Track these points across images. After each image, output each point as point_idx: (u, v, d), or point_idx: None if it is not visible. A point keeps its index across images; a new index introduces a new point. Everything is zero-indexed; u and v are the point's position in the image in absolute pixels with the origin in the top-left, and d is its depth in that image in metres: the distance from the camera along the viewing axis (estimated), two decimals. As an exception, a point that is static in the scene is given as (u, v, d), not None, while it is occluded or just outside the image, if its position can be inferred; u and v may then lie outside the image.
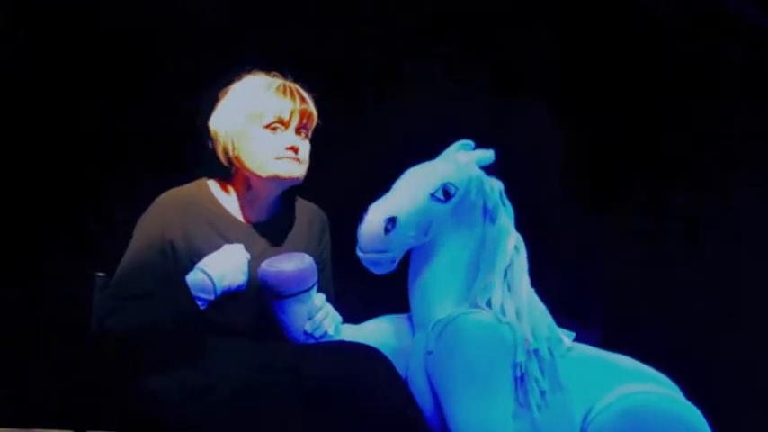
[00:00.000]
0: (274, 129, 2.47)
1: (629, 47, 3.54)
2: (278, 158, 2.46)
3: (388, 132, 3.37)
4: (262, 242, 2.52)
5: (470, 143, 2.64)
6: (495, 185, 2.58)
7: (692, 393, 2.58)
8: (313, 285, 2.46)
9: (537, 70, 3.53)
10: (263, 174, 2.46)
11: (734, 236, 3.43)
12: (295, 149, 2.47)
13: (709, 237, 3.44)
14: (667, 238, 3.46)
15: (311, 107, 2.53)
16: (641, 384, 2.50)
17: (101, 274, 2.52)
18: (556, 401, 2.46)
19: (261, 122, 2.46)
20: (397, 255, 2.46)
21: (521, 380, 2.43)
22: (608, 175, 3.52)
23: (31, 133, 3.24)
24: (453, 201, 2.51)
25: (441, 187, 2.50)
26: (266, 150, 2.45)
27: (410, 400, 2.38)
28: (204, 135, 2.54)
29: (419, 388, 2.49)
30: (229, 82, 2.55)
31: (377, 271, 2.48)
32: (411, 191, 2.50)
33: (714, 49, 3.50)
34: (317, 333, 2.46)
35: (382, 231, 2.41)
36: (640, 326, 3.29)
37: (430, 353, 2.45)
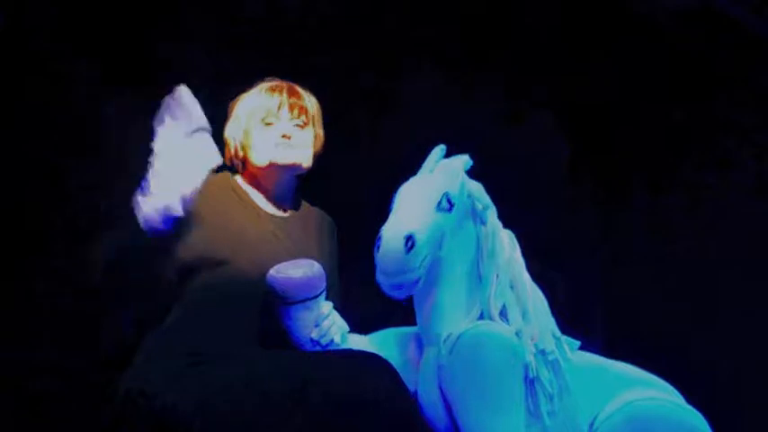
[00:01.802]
0: (269, 123, 2.63)
1: (626, 52, 3.55)
2: (274, 145, 2.61)
3: (389, 145, 3.37)
4: (278, 228, 2.62)
5: (443, 147, 2.62)
6: (478, 186, 2.58)
7: (693, 400, 2.58)
8: (321, 292, 2.46)
9: (535, 77, 3.54)
10: (263, 162, 2.62)
11: (736, 241, 3.43)
12: (287, 137, 2.61)
13: (709, 242, 3.43)
14: (667, 243, 3.46)
15: (302, 100, 2.68)
16: (645, 391, 2.50)
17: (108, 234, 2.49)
18: (564, 408, 2.47)
19: (257, 119, 2.63)
20: (420, 275, 2.40)
21: (531, 385, 2.44)
22: (607, 180, 3.52)
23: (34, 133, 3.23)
24: (455, 210, 2.50)
25: (444, 197, 2.48)
26: (264, 140, 2.62)
27: (415, 409, 2.40)
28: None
29: (431, 402, 2.50)
30: (235, 96, 2.70)
31: (400, 296, 2.43)
32: (418, 205, 2.47)
33: (714, 54, 3.51)
34: (324, 341, 2.47)
35: (404, 251, 2.35)
36: (640, 333, 3.29)
37: (442, 366, 2.45)
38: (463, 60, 3.49)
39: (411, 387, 2.52)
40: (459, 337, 2.44)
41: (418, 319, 2.57)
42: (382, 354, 2.50)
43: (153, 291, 2.42)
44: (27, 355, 3.19)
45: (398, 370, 2.42)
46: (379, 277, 2.41)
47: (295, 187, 2.71)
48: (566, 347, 2.53)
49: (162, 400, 2.30)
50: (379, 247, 2.39)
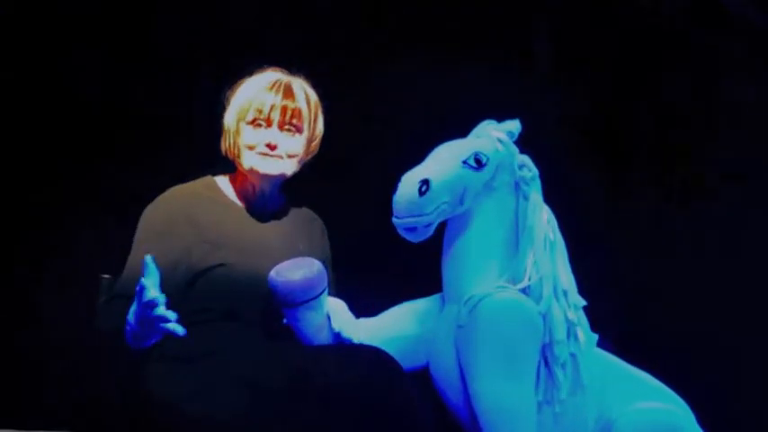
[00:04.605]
0: (258, 125, 2.54)
1: (635, 44, 3.53)
2: (258, 154, 2.53)
3: (390, 135, 3.35)
4: (267, 229, 2.57)
5: (494, 122, 2.62)
6: (526, 160, 2.57)
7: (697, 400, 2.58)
8: (322, 292, 2.43)
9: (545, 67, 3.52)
10: (244, 166, 2.55)
11: (743, 240, 3.42)
12: (271, 146, 2.53)
13: (717, 240, 3.42)
14: (682, 240, 3.45)
15: (298, 103, 2.56)
16: (661, 403, 2.49)
17: (106, 276, 2.50)
18: (576, 399, 2.45)
19: (245, 120, 2.54)
20: (433, 219, 2.43)
21: (548, 366, 2.43)
22: (620, 177, 3.51)
23: (34, 133, 3.21)
24: (486, 170, 2.50)
25: (472, 155, 2.49)
26: (247, 145, 2.53)
27: (417, 403, 2.32)
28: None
29: (445, 362, 2.48)
30: (241, 79, 2.60)
31: (412, 238, 2.45)
32: (443, 158, 2.50)
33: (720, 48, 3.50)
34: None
35: (417, 194, 2.39)
36: (652, 334, 3.27)
37: (461, 327, 2.43)
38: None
39: (425, 360, 2.53)
40: (482, 299, 2.42)
41: (443, 276, 2.56)
42: (396, 331, 2.53)
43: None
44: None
45: (415, 344, 2.49)
46: (393, 219, 2.45)
47: (281, 185, 2.63)
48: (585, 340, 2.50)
49: (161, 397, 2.29)
50: (396, 190, 2.44)
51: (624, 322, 3.17)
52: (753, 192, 3.44)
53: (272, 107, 2.52)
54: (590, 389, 2.47)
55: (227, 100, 2.59)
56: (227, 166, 2.61)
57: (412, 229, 2.43)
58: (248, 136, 2.53)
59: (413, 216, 2.41)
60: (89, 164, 3.23)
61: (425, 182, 2.40)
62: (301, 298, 2.39)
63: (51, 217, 3.17)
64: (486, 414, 2.40)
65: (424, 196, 2.39)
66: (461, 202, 2.47)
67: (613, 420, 2.45)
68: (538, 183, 2.56)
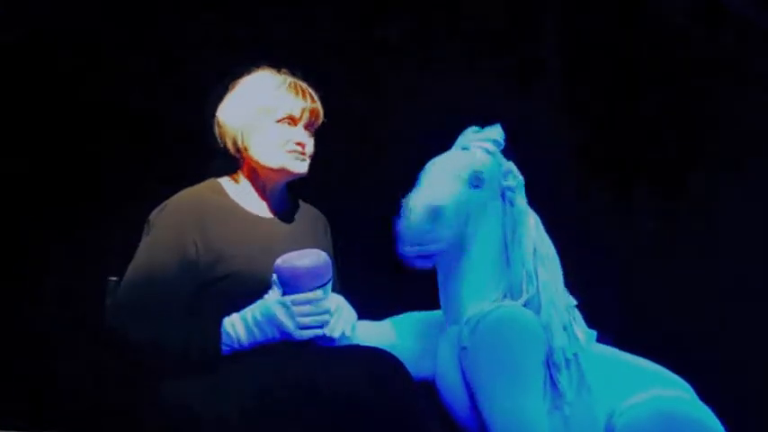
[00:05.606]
0: (286, 124, 2.55)
1: (638, 45, 3.54)
2: (288, 152, 2.54)
3: (391, 133, 3.35)
4: (274, 234, 2.55)
5: (479, 129, 2.60)
6: (512, 167, 2.56)
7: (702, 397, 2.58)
8: (328, 281, 2.42)
9: (547, 68, 3.52)
10: (273, 165, 2.54)
11: (753, 236, 3.42)
12: (303, 145, 2.55)
13: (723, 236, 3.42)
14: (681, 237, 3.45)
15: (319, 106, 2.60)
16: (667, 389, 2.49)
17: (113, 278, 2.49)
18: (583, 399, 2.46)
19: (273, 117, 2.54)
20: (444, 247, 2.43)
21: (552, 372, 2.44)
22: (620, 174, 3.51)
23: (36, 133, 3.20)
24: (484, 188, 2.49)
25: (473, 174, 2.48)
26: (276, 143, 2.53)
27: (422, 404, 2.32)
28: (213, 127, 2.59)
29: (451, 383, 2.48)
30: (239, 76, 2.60)
31: (421, 265, 2.45)
32: (447, 180, 2.48)
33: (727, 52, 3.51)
34: (335, 335, 2.43)
35: (429, 223, 2.39)
36: (653, 327, 3.28)
37: (464, 348, 2.43)
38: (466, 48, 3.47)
39: (429, 374, 2.53)
40: (481, 318, 2.42)
41: (441, 298, 2.56)
42: (397, 340, 2.52)
43: (170, 309, 2.38)
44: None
45: (416, 358, 2.46)
46: (403, 247, 2.43)
47: (287, 183, 2.63)
48: (584, 339, 2.52)
49: (170, 404, 2.30)
50: (403, 218, 2.41)
51: (624, 316, 3.18)
52: (753, 192, 3.44)
53: (302, 110, 2.55)
54: (595, 386, 2.48)
55: (229, 93, 2.58)
56: (224, 166, 2.60)
57: (422, 257, 2.42)
58: (278, 134, 2.53)
59: (425, 244, 2.40)
60: (91, 164, 3.23)
61: (437, 209, 2.39)
62: (307, 286, 2.37)
63: (55, 218, 3.17)
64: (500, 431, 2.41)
65: (438, 223, 2.38)
66: (466, 225, 2.47)
67: (614, 415, 2.46)
68: (522, 189, 2.55)
